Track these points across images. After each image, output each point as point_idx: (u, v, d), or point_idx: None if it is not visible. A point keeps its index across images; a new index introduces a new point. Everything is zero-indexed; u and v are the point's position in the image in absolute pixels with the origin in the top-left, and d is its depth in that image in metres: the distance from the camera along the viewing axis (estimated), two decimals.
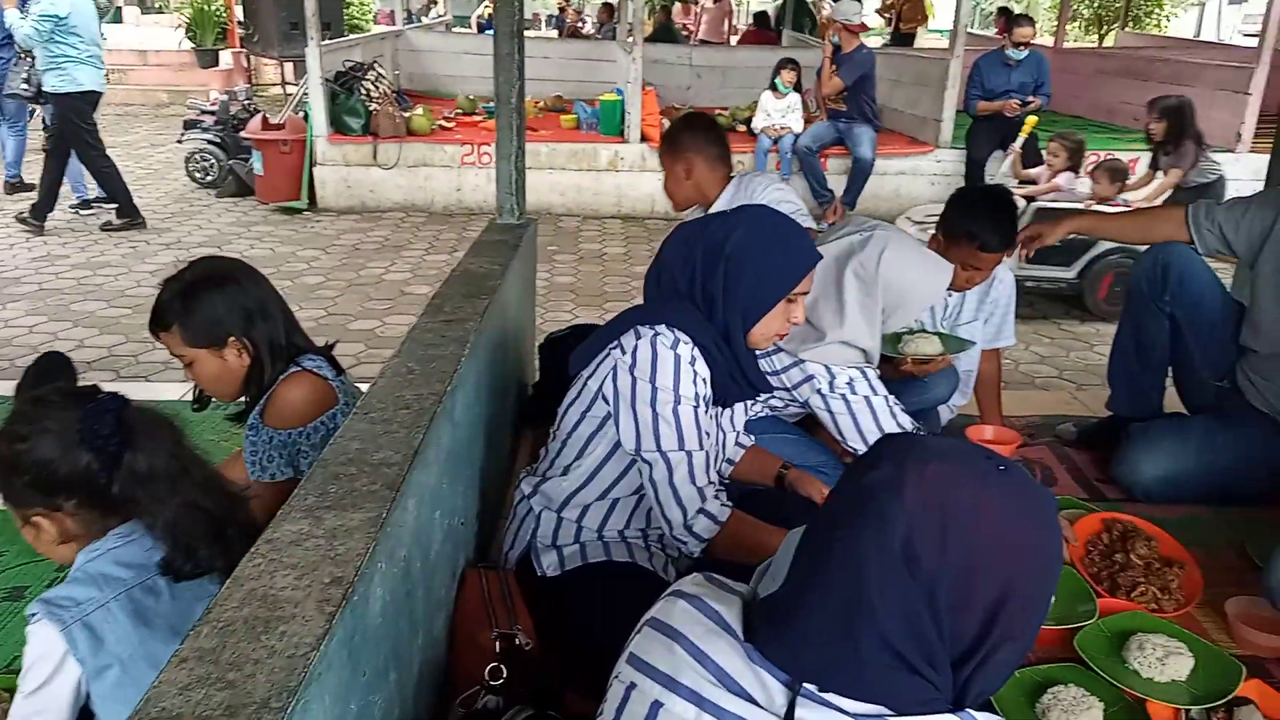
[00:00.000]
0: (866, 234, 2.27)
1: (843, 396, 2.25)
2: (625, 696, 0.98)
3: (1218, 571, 2.34)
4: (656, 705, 0.95)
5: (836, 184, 7.50)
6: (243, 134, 7.69)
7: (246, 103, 8.36)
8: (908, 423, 2.29)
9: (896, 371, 2.64)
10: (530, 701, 1.59)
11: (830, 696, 0.89)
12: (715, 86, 10.61)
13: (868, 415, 2.25)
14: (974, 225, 2.55)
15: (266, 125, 7.36)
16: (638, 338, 1.72)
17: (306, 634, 1.01)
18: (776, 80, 7.54)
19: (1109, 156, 6.73)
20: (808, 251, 1.77)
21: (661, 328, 1.71)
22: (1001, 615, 0.89)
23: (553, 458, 1.91)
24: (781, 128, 7.48)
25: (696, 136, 2.95)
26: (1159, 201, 5.64)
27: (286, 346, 2.00)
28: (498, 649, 1.65)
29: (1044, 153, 6.08)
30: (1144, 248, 2.92)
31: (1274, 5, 7.29)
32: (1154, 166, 5.89)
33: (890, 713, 0.88)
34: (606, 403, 1.76)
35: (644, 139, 7.66)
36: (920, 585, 0.88)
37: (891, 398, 2.29)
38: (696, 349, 1.71)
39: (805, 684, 0.90)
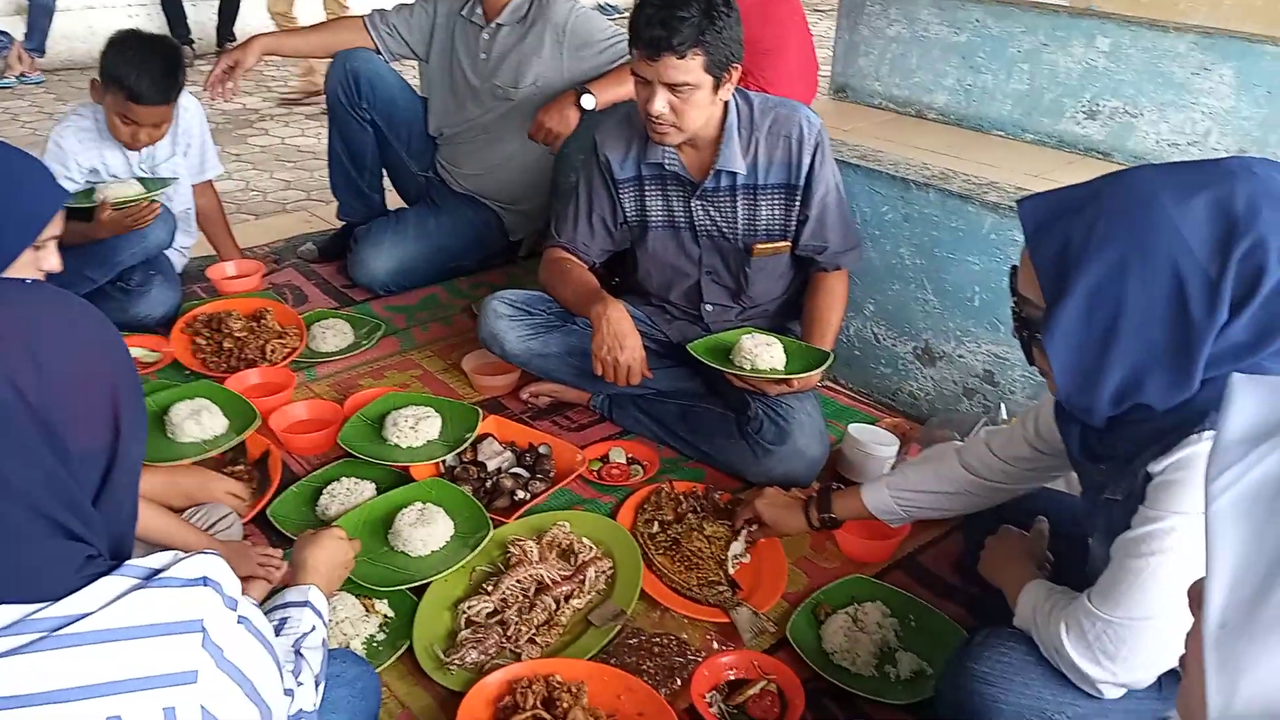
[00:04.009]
0: None
1: None
2: None
3: (456, 340, 2.69)
4: None
5: (13, 26, 6.26)
6: None
7: None
8: None
9: (107, 229, 2.38)
10: None
11: None
12: None
13: None
14: (122, 71, 2.32)
15: None
16: None
17: None
18: None
19: None
20: (49, 187, 1.50)
21: None
22: (122, 415, 0.89)
23: None
24: None
25: None
26: None
27: None
28: None
29: None
30: None
31: None
32: None
33: (44, 603, 0.80)
34: None
35: None
36: (36, 426, 0.82)
37: None
38: None
39: None
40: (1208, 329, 1.07)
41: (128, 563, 0.85)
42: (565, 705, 1.45)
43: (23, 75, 6.08)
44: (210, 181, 2.78)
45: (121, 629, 0.81)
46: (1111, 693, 1.25)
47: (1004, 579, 1.47)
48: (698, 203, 2.13)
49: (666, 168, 2.11)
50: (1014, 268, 1.25)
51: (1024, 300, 1.22)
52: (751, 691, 1.57)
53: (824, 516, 1.80)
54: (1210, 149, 2.48)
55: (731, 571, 1.84)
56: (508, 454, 2.12)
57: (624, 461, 2.18)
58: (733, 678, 1.62)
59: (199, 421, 2.04)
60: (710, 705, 1.56)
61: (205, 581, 0.87)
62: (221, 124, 5.20)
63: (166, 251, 2.60)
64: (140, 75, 2.30)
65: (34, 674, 0.78)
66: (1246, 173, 1.07)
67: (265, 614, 1.23)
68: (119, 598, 0.82)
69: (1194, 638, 0.57)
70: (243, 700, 0.94)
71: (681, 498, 2.03)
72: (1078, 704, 1.27)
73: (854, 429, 2.18)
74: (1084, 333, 1.13)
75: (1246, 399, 0.59)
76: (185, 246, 2.75)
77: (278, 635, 1.19)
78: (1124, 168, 1.17)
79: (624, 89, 2.69)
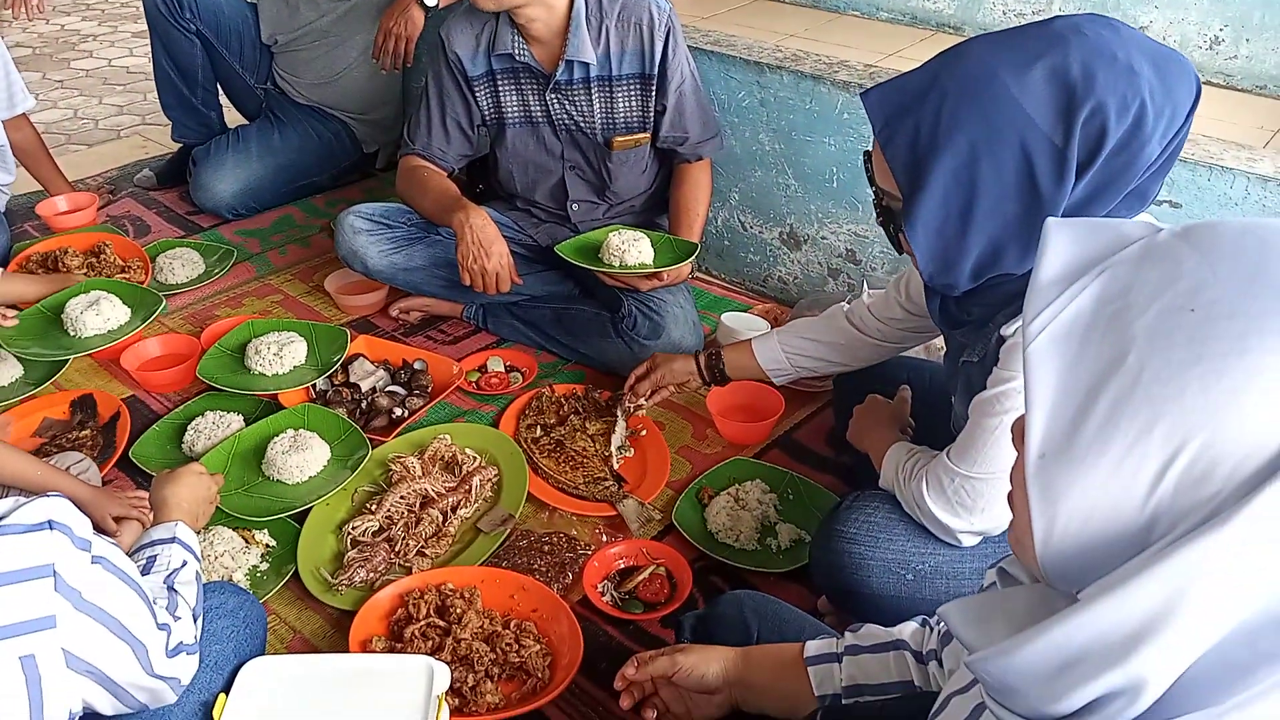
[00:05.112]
0: None
1: None
2: None
3: (317, 261, 2.59)
4: None
5: None
6: None
7: None
8: None
9: None
10: None
11: None
12: None
13: None
14: None
15: None
16: None
17: None
18: None
19: None
20: None
21: None
22: None
23: None
24: None
25: None
26: None
27: None
28: None
29: None
30: None
31: None
32: None
33: None
34: None
35: None
36: None
37: None
38: None
39: None
40: (1058, 197, 1.09)
41: None
42: (459, 611, 1.46)
43: None
44: (24, 115, 2.54)
45: None
46: (969, 541, 1.33)
47: (870, 444, 1.54)
48: (552, 95, 2.08)
49: (517, 59, 2.04)
50: (867, 156, 1.25)
51: (883, 191, 1.22)
52: (641, 576, 1.62)
53: (710, 354, 1.82)
54: (1055, 14, 2.55)
55: (616, 466, 1.87)
56: (381, 373, 2.08)
57: (502, 370, 2.17)
58: (623, 566, 1.66)
59: (99, 312, 2.03)
60: (603, 594, 1.60)
61: (50, 525, 0.84)
62: (39, 48, 4.78)
63: None
64: None
65: None
66: (1077, 35, 1.08)
67: (132, 554, 1.19)
68: None
69: (1018, 471, 0.61)
70: (110, 639, 0.92)
71: (562, 400, 2.04)
72: (939, 553, 1.36)
73: (727, 318, 2.22)
74: (943, 219, 1.14)
75: (1059, 241, 0.61)
76: (4, 184, 2.53)
77: (147, 574, 1.16)
78: (957, 44, 1.17)
79: None
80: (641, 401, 1.94)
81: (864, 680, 1.11)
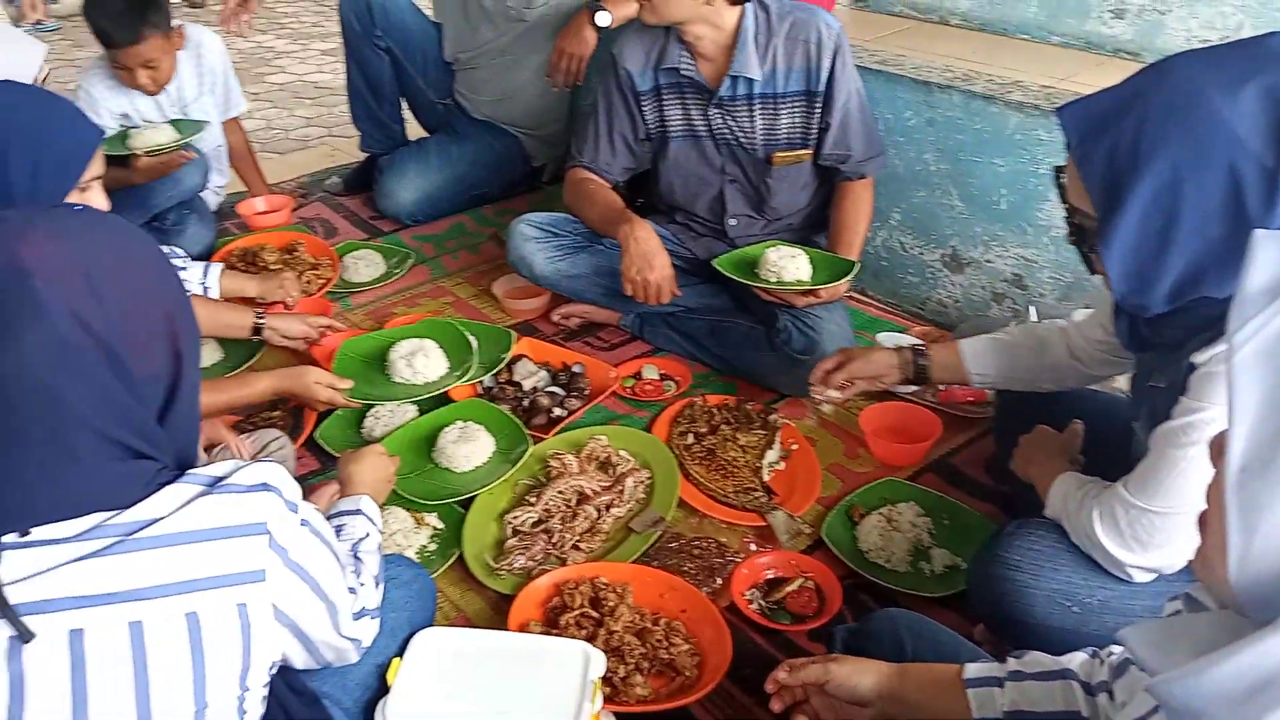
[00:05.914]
0: None
1: None
2: None
3: (485, 267, 2.72)
4: None
5: None
6: None
7: None
8: None
9: (143, 175, 2.41)
10: None
11: (39, 532, 0.82)
12: None
13: None
14: (90, 15, 2.31)
15: None
16: None
17: None
18: None
19: None
20: (85, 128, 1.50)
21: None
22: (181, 338, 0.92)
23: None
24: None
25: None
26: None
27: None
28: None
29: None
30: None
31: None
32: None
33: (115, 511, 0.85)
34: None
35: None
36: (99, 355, 0.85)
37: None
38: None
39: (2, 537, 0.82)
40: (1266, 220, 1.04)
41: (190, 471, 0.89)
42: (611, 604, 1.51)
43: (39, 23, 6.05)
44: (237, 118, 2.79)
45: (192, 532, 0.86)
46: (1141, 577, 1.27)
47: (1036, 473, 1.50)
48: (715, 110, 2.12)
49: (682, 73, 2.10)
50: (1057, 173, 1.22)
51: (1076, 210, 1.19)
52: (790, 588, 1.62)
53: (915, 349, 1.74)
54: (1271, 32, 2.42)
55: (766, 478, 1.89)
56: (543, 373, 2.16)
57: (657, 378, 2.22)
58: (771, 576, 1.67)
59: (410, 364, 2.01)
60: (750, 602, 1.62)
61: (266, 487, 0.92)
62: (238, 63, 5.18)
63: (206, 193, 2.63)
64: (101, 17, 2.29)
65: (117, 575, 0.83)
66: None
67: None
68: (187, 504, 0.86)
69: (1215, 487, 0.60)
70: (310, 597, 1.00)
71: (715, 410, 2.07)
72: (1108, 587, 1.30)
73: (882, 338, 2.20)
74: (1139, 239, 1.10)
75: (1268, 253, 0.60)
76: (219, 186, 2.78)
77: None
78: (1159, 61, 1.13)
79: (636, 4, 2.65)
80: (833, 393, 1.83)
81: (1028, 707, 1.08)
